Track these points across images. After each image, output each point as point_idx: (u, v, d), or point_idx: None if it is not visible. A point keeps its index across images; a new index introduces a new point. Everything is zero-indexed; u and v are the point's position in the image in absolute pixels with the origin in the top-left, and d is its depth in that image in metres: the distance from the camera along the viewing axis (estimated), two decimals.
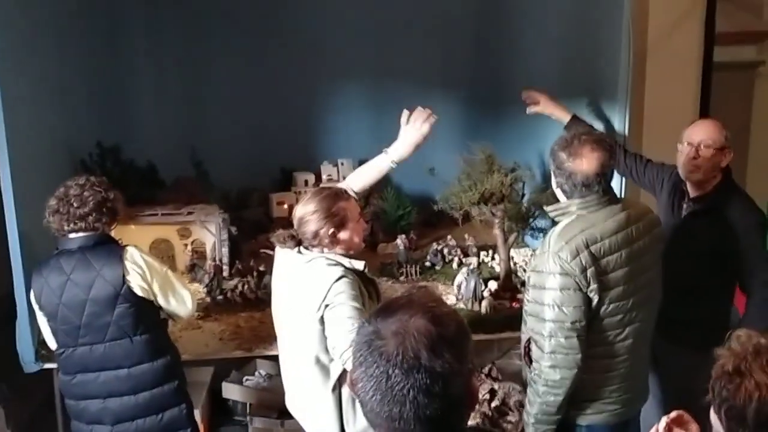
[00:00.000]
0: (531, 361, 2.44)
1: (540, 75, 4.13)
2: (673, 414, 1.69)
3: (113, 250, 2.67)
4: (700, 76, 4.13)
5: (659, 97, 4.29)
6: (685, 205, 2.95)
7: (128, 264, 2.63)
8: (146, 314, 2.69)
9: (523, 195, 3.75)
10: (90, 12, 4.08)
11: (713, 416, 1.48)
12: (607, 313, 2.35)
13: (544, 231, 3.78)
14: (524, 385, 2.60)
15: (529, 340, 2.47)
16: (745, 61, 4.41)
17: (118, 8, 4.35)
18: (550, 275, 2.32)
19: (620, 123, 3.53)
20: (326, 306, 2.34)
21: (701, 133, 2.85)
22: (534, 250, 2.54)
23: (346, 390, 2.42)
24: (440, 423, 1.15)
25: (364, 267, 2.51)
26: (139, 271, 2.64)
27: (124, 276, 2.60)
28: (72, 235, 2.63)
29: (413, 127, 2.79)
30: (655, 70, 4.13)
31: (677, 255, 2.75)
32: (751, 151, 4.48)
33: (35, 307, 2.73)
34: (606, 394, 2.46)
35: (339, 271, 2.41)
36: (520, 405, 3.88)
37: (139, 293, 2.64)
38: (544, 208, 2.59)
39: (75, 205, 2.58)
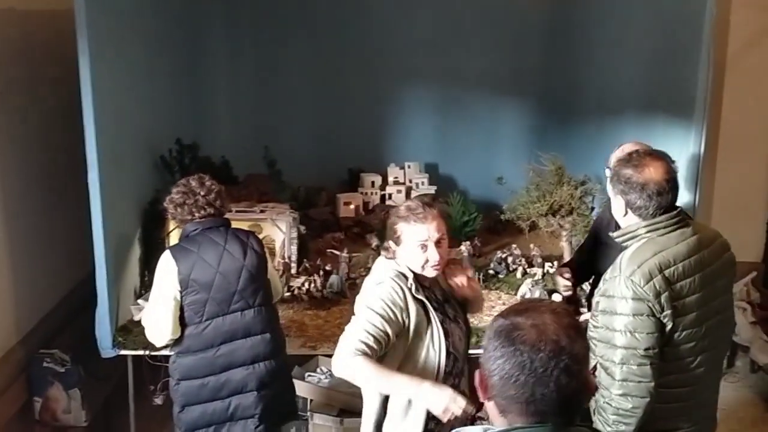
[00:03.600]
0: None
1: (614, 88, 4.10)
2: None
3: (245, 230, 3.05)
4: None
5: (736, 113, 4.22)
6: None
7: (260, 242, 3.01)
8: (269, 289, 3.03)
9: (593, 209, 3.73)
10: (174, 14, 4.24)
11: None
12: (680, 340, 2.30)
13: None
14: (586, 413, 2.57)
15: (595, 367, 2.45)
16: None
17: (199, 11, 4.50)
18: (622, 300, 2.25)
19: (697, 138, 3.47)
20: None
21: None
22: (602, 275, 2.48)
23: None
24: (572, 402, 1.30)
25: (410, 280, 2.31)
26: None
27: (262, 250, 2.97)
28: (206, 218, 2.88)
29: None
30: (734, 85, 4.07)
31: None
32: None
33: (173, 290, 2.81)
34: (677, 424, 2.41)
35: (384, 276, 2.32)
36: None
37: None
38: (610, 234, 2.54)
39: (202, 193, 2.87)
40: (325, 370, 4.13)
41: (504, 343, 1.30)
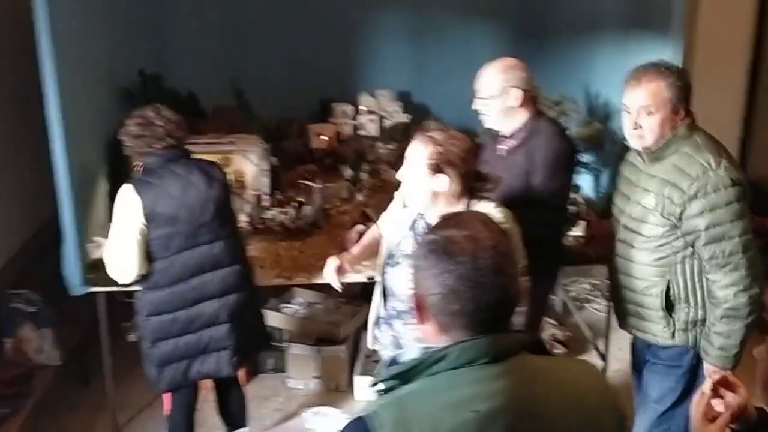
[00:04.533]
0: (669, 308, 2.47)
1: (589, 6, 4.00)
2: (717, 376, 1.62)
3: (208, 160, 2.94)
4: (757, 13, 3.97)
5: (712, 32, 4.15)
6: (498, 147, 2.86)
7: (223, 173, 2.94)
8: (236, 220, 3.00)
9: (567, 129, 3.67)
10: None
11: None
12: None
13: (586, 166, 3.73)
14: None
15: (668, 286, 2.46)
16: None
17: None
18: (723, 191, 2.31)
19: (674, 56, 3.40)
20: None
21: (479, 85, 2.76)
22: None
23: None
24: (512, 306, 1.29)
25: None
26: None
27: (226, 181, 2.92)
28: (166, 151, 2.77)
29: None
30: (709, 4, 3.98)
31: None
32: None
33: (138, 224, 2.71)
34: None
35: None
36: (555, 340, 3.93)
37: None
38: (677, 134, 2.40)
39: (160, 124, 2.74)
40: (301, 300, 4.13)
41: (442, 258, 1.26)
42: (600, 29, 4.04)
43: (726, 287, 2.35)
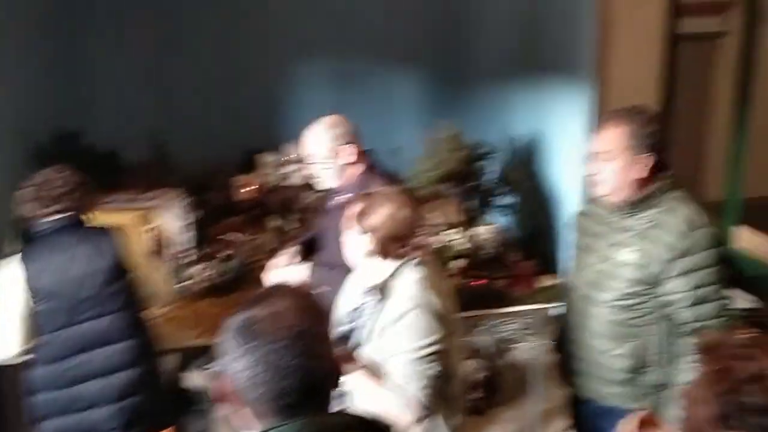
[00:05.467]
0: None
1: (504, 51, 4.09)
2: (642, 413, 1.65)
3: (102, 228, 2.74)
4: (666, 47, 4.11)
5: (626, 70, 4.27)
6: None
7: (119, 241, 2.73)
8: (134, 291, 2.77)
9: (488, 172, 3.73)
10: None
11: None
12: None
13: (508, 208, 3.78)
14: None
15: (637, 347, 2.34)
16: (709, 31, 4.40)
17: None
18: (706, 252, 2.20)
19: (587, 97, 3.50)
20: None
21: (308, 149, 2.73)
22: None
23: None
24: (323, 388, 1.22)
25: None
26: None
27: (119, 250, 2.71)
28: (56, 216, 2.62)
29: None
30: (622, 42, 4.10)
31: None
32: (712, 119, 4.50)
33: (22, 299, 2.58)
34: None
35: None
36: (485, 382, 3.92)
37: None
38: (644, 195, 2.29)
39: (57, 185, 2.60)
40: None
41: (243, 340, 1.19)
42: (517, 72, 4.14)
43: None
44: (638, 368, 2.33)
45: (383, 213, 2.16)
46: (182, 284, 3.51)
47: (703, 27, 4.36)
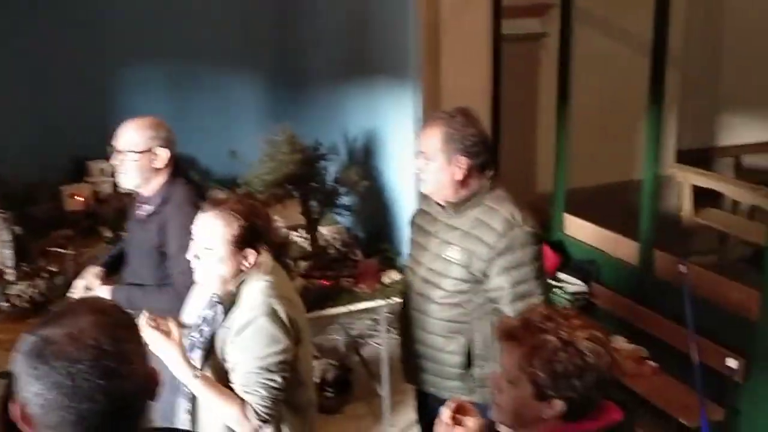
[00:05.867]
0: None
1: (337, 56, 4.13)
2: (453, 403, 1.72)
3: None
4: (492, 48, 4.31)
5: (455, 71, 4.44)
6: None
7: None
8: None
9: (327, 173, 3.74)
10: None
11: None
12: None
13: (349, 208, 3.82)
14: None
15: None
16: (531, 33, 4.66)
17: None
18: (524, 249, 2.28)
19: (413, 99, 3.60)
20: None
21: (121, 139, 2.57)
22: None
23: None
24: (131, 406, 1.16)
25: None
26: None
27: None
28: None
29: None
30: (449, 44, 4.26)
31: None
32: (538, 117, 4.77)
33: None
34: None
35: None
36: (337, 381, 3.93)
37: None
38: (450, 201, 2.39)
39: None
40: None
41: (35, 363, 1.10)
42: (351, 74, 4.19)
43: None
44: (469, 363, 2.40)
45: (233, 222, 2.07)
46: (3, 305, 3.25)
47: (526, 28, 4.62)
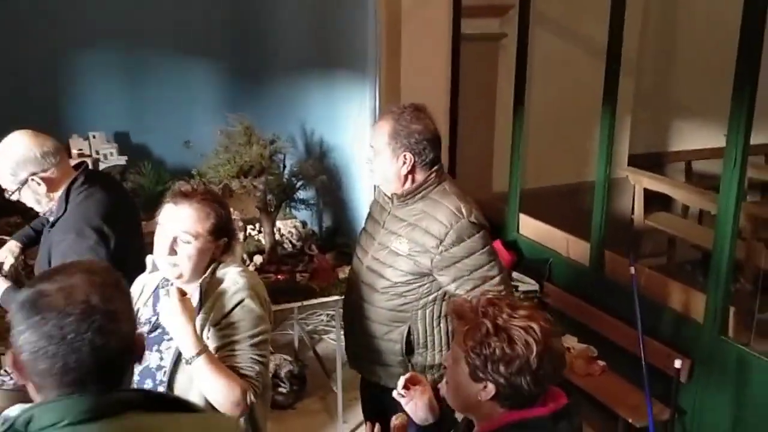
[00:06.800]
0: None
1: (297, 47, 4.10)
2: (408, 374, 1.86)
3: None
4: (451, 47, 4.33)
5: (414, 67, 4.46)
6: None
7: None
8: None
9: (285, 167, 3.71)
10: None
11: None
12: None
13: (306, 202, 3.80)
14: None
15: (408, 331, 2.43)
16: (490, 33, 4.69)
17: None
18: (467, 242, 2.31)
19: (371, 93, 3.60)
20: None
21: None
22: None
23: None
24: (114, 364, 1.22)
25: None
26: None
27: None
28: None
29: None
30: (409, 40, 4.27)
31: None
32: (496, 117, 4.80)
33: None
34: None
35: None
36: (292, 376, 3.91)
37: None
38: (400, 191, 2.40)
39: None
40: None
41: (29, 314, 1.18)
42: (311, 67, 4.17)
43: None
44: (410, 351, 2.44)
45: (210, 213, 2.02)
46: None
47: (485, 28, 4.65)
